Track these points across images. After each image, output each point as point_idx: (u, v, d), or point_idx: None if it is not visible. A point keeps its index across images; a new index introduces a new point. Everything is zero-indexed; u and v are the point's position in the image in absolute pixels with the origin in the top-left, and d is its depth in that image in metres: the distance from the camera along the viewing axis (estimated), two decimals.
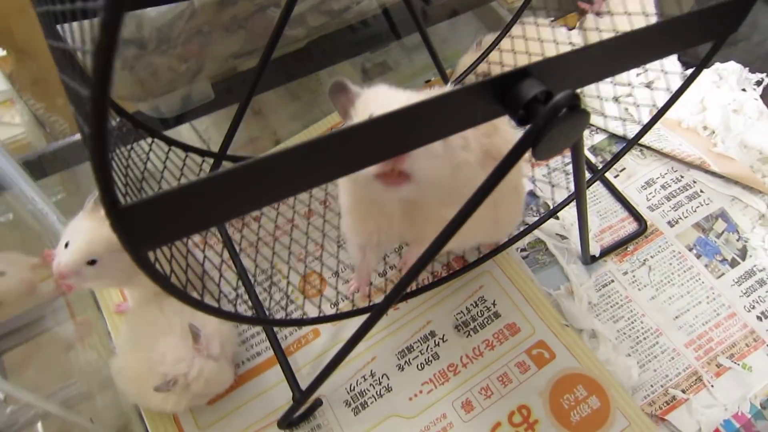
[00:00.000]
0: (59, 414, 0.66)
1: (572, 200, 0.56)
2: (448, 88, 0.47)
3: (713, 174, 0.68)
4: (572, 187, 0.49)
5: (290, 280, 0.60)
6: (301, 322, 0.50)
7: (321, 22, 0.68)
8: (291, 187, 0.29)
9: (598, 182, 0.68)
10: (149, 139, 0.52)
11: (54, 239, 0.63)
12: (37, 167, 0.63)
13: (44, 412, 0.65)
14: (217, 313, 0.36)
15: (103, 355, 0.58)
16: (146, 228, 0.26)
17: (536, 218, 0.59)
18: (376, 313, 0.41)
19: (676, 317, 0.60)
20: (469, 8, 0.87)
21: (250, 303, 0.56)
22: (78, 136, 0.65)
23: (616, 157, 0.61)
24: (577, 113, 0.31)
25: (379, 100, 0.40)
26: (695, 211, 0.66)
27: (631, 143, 0.62)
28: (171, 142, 0.54)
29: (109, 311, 0.60)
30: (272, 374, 0.56)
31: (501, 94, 0.32)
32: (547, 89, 0.31)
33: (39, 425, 0.70)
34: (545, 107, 0.31)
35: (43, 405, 0.65)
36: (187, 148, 0.56)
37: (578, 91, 0.31)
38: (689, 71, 0.74)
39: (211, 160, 0.59)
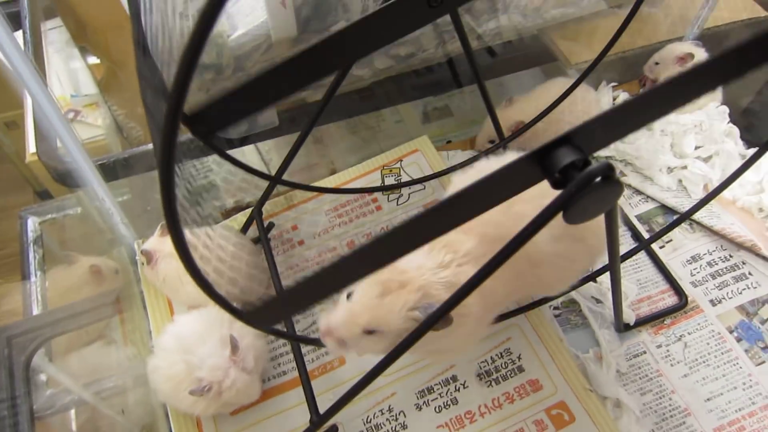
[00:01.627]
0: (93, 403, 0.70)
1: (589, 279, 0.56)
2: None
3: (764, 258, 0.67)
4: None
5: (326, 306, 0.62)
6: (314, 341, 0.52)
7: (387, 65, 0.71)
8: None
9: (642, 252, 0.68)
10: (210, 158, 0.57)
11: (115, 237, 0.68)
12: (111, 170, 0.68)
13: (79, 400, 0.69)
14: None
15: (142, 352, 0.61)
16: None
17: None
18: (399, 348, 0.42)
19: (708, 399, 0.58)
20: (531, 66, 0.89)
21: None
22: (143, 148, 0.71)
23: (664, 231, 0.60)
24: (610, 184, 0.32)
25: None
26: (741, 293, 0.65)
27: (681, 219, 0.62)
28: (235, 163, 0.58)
29: (154, 312, 0.63)
30: (294, 395, 0.58)
31: (541, 158, 0.34)
32: (585, 157, 0.33)
33: (72, 412, 0.74)
34: (580, 174, 0.32)
35: (80, 392, 0.69)
36: (248, 170, 0.60)
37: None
38: (750, 151, 0.74)
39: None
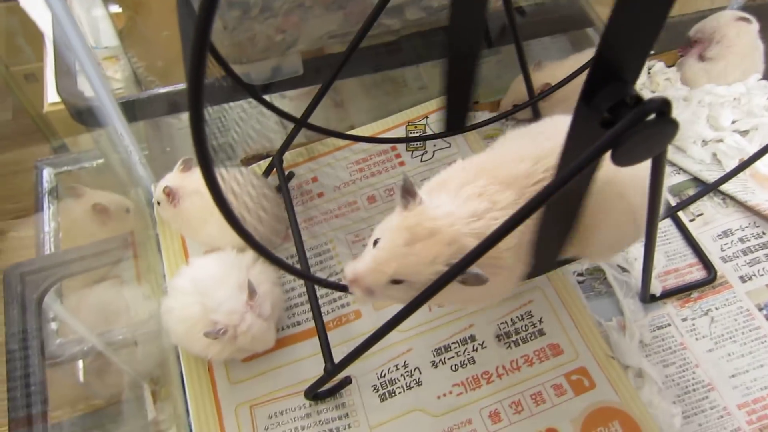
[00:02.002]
0: (104, 352, 0.70)
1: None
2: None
3: None
4: None
5: (342, 258, 0.61)
6: (340, 287, 0.50)
7: (418, 16, 0.69)
8: None
9: (670, 222, 0.66)
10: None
11: (132, 178, 0.67)
12: (131, 110, 0.66)
13: (89, 350, 0.69)
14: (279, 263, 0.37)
15: (156, 294, 0.60)
16: None
17: None
18: (418, 299, 0.41)
19: (733, 375, 0.56)
20: (564, 30, 0.86)
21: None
22: (165, 89, 0.69)
23: (692, 199, 0.58)
24: (664, 121, 0.30)
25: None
26: None
27: (710, 188, 0.59)
28: (266, 104, 0.57)
29: (168, 255, 0.62)
30: (308, 345, 0.57)
31: (589, 94, 0.32)
32: (637, 95, 0.31)
33: (80, 363, 0.74)
34: (632, 110, 0.30)
35: (91, 338, 0.69)
36: (278, 111, 0.58)
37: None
38: None
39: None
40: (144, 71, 1.02)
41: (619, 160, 0.32)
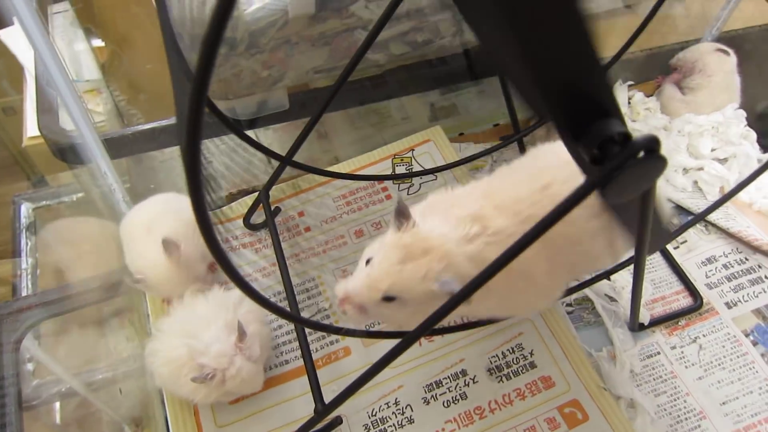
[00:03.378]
0: (83, 393, 0.67)
1: (630, 263, 0.54)
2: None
3: None
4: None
5: (330, 294, 0.60)
6: (329, 329, 0.49)
7: (402, 51, 0.70)
8: None
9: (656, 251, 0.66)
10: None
11: (115, 216, 0.66)
12: (114, 147, 0.65)
13: (67, 391, 0.67)
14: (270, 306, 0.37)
15: (139, 335, 0.59)
16: None
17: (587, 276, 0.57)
18: (408, 339, 0.40)
19: (724, 403, 0.56)
20: None
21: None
22: (151, 125, 0.68)
23: (679, 231, 0.59)
24: (653, 158, 0.30)
25: None
26: (757, 296, 0.63)
27: (697, 219, 0.60)
28: (251, 142, 0.56)
29: (152, 296, 0.61)
30: (297, 384, 0.56)
31: (578, 128, 0.32)
32: (626, 132, 0.31)
33: (57, 405, 0.72)
34: (623, 147, 0.30)
35: (70, 380, 0.67)
36: (263, 149, 0.58)
37: None
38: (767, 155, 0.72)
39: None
40: (126, 104, 1.02)
41: (609, 197, 0.32)
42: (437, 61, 0.80)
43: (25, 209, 0.90)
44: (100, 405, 0.68)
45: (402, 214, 0.40)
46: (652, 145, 0.30)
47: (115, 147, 0.66)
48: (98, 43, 1.06)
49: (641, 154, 0.30)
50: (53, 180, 1.04)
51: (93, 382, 0.67)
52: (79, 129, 0.59)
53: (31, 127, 1.05)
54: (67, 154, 0.65)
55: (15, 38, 0.98)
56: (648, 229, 0.39)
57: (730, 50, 0.76)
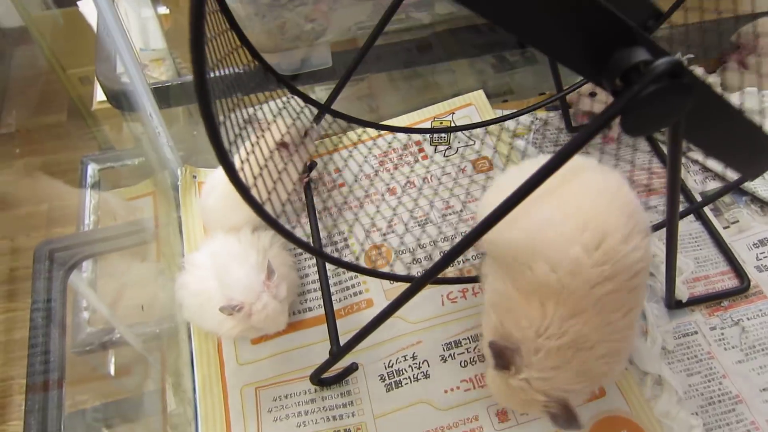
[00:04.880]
0: (130, 341, 0.71)
1: (662, 226, 0.51)
2: None
3: None
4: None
5: (357, 247, 0.60)
6: (348, 266, 0.50)
7: (448, 11, 0.69)
8: None
9: (702, 228, 0.63)
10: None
11: (162, 161, 0.68)
12: (164, 96, 0.68)
13: (118, 340, 0.70)
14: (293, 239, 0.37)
15: (173, 270, 0.61)
16: None
17: None
18: (418, 281, 0.40)
19: (764, 389, 0.52)
20: None
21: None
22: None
23: (720, 194, 0.55)
24: (677, 86, 0.29)
25: None
26: None
27: (733, 185, 0.56)
28: (291, 88, 0.57)
29: (189, 238, 0.63)
30: (318, 331, 0.56)
31: (600, 59, 0.31)
32: (648, 59, 0.29)
33: (112, 355, 0.75)
34: (643, 73, 0.29)
35: (122, 329, 0.70)
36: (303, 96, 0.59)
37: None
38: None
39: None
40: (187, 71, 1.05)
41: (629, 128, 0.30)
42: (485, 26, 0.79)
43: (92, 170, 0.95)
44: (145, 354, 0.71)
45: (500, 356, 0.39)
46: (675, 68, 0.28)
47: (165, 96, 0.69)
48: (164, 10, 1.10)
49: (664, 80, 0.29)
50: (119, 144, 1.10)
51: (143, 333, 0.70)
52: (130, 76, 0.62)
53: (100, 93, 1.11)
54: (119, 99, 0.68)
55: (92, 10, 1.03)
56: (678, 179, 0.37)
57: None
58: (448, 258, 0.37)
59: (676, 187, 0.38)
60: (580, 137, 0.29)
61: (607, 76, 0.31)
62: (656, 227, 0.53)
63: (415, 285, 0.40)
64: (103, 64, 0.70)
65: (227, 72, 0.47)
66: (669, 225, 0.43)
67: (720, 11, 0.59)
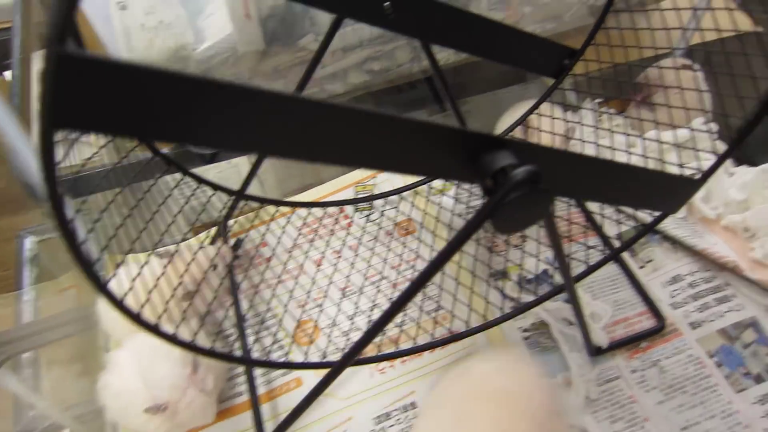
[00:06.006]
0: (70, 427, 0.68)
1: (557, 292, 0.53)
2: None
3: (748, 280, 0.64)
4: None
5: (284, 325, 0.60)
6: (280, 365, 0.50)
7: (362, 80, 0.71)
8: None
9: (619, 270, 0.66)
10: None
11: None
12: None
13: (56, 425, 0.68)
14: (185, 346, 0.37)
15: (92, 369, 0.60)
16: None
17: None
18: (337, 367, 0.41)
19: (684, 429, 0.55)
20: (517, 82, 0.88)
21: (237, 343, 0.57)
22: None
23: (635, 238, 0.57)
24: (537, 192, 0.30)
25: None
26: (723, 316, 0.62)
27: (647, 229, 0.58)
28: (199, 180, 0.58)
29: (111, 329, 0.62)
30: (249, 417, 0.56)
31: (474, 154, 0.32)
32: (511, 164, 0.31)
33: None
34: (506, 179, 0.30)
35: (49, 410, 0.68)
36: (210, 184, 0.59)
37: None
38: (738, 168, 0.71)
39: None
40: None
41: (500, 229, 0.32)
42: (406, 86, 0.81)
43: (29, 242, 0.92)
44: None
45: None
46: (533, 177, 0.30)
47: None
48: None
49: (525, 186, 0.30)
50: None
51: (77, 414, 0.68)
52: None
53: None
54: (34, 191, 0.67)
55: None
56: (562, 254, 0.39)
57: (693, 64, 0.75)
58: (366, 339, 0.38)
59: (562, 261, 0.39)
60: (450, 246, 0.31)
61: (479, 179, 0.33)
62: (554, 292, 0.55)
63: (335, 370, 0.41)
64: (16, 161, 0.69)
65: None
66: (568, 290, 0.45)
67: (627, 48, 0.63)
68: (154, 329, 0.35)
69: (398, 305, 0.35)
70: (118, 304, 0.32)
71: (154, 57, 0.55)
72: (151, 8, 0.53)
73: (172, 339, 0.37)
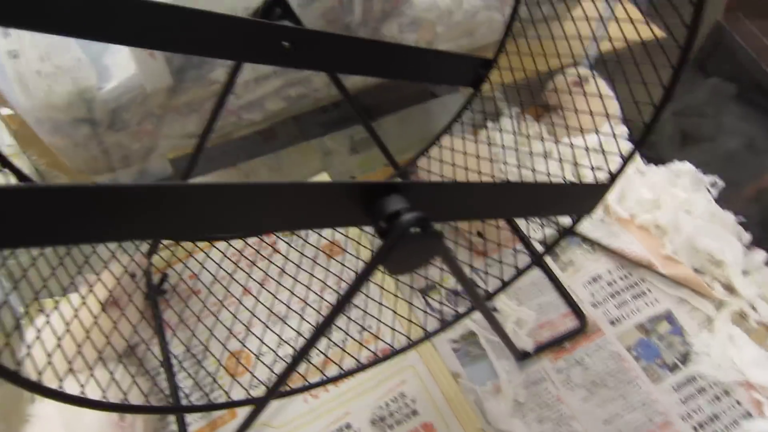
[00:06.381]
0: None
1: (471, 311, 0.55)
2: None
3: (661, 275, 0.68)
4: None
5: (212, 360, 0.60)
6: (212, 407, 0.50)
7: (280, 107, 0.71)
8: None
9: (542, 275, 0.68)
10: None
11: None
12: None
13: None
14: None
15: (14, 423, 0.58)
16: None
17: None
18: (259, 405, 0.41)
19: (607, 421, 0.58)
20: (431, 98, 0.90)
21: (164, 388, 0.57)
22: None
23: (555, 242, 0.60)
24: (427, 236, 0.32)
25: None
26: (639, 311, 0.66)
27: (565, 233, 0.61)
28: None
29: None
30: None
31: (368, 201, 0.33)
32: (409, 207, 0.32)
33: None
34: (396, 224, 0.32)
35: None
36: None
37: None
38: (649, 167, 0.75)
39: None
40: (47, 167, 1.01)
41: (393, 271, 0.33)
42: (330, 106, 0.81)
43: None
44: None
45: None
46: (420, 222, 0.31)
47: None
48: (8, 110, 1.05)
49: (415, 231, 0.32)
50: None
51: None
52: None
53: None
54: None
55: None
56: (465, 279, 0.41)
57: (586, 76, 0.78)
58: (284, 375, 0.38)
59: (469, 288, 0.41)
60: (346, 294, 0.32)
61: (374, 224, 0.34)
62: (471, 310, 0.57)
63: (257, 410, 0.42)
64: None
65: None
66: (481, 312, 0.47)
67: (539, 58, 0.65)
68: (57, 394, 0.35)
69: (310, 344, 0.36)
70: (12, 376, 0.32)
71: (57, 102, 0.53)
72: (46, 54, 0.51)
73: (80, 401, 0.37)
